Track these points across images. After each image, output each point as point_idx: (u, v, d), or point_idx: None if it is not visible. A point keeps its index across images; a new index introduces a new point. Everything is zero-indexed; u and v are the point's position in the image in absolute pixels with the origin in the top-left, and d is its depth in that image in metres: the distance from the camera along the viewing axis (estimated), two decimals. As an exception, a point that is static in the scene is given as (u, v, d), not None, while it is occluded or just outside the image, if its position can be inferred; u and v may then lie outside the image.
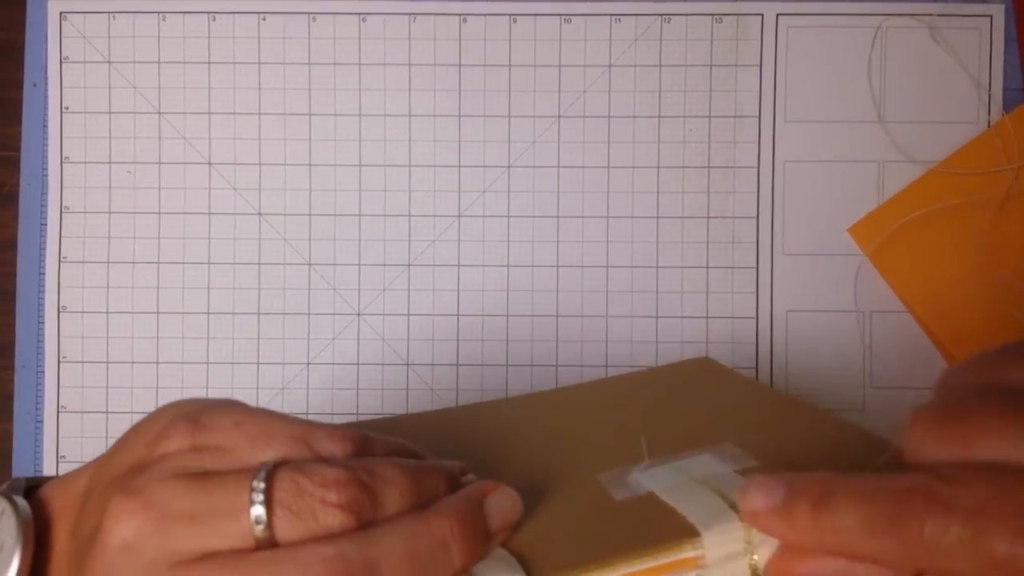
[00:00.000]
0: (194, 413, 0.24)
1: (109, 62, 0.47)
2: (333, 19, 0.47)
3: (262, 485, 0.21)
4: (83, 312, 0.47)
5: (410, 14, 0.47)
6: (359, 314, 0.47)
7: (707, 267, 0.47)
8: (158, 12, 0.47)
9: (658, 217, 0.47)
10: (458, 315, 0.47)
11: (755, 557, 0.22)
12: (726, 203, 0.47)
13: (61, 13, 0.47)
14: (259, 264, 0.47)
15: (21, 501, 0.23)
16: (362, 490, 0.22)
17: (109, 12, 0.47)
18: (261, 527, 0.21)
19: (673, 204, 0.47)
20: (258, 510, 0.21)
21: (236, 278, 0.47)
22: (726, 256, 0.47)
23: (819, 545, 0.21)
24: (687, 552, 0.22)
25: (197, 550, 0.21)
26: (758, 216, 0.47)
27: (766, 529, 0.22)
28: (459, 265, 0.47)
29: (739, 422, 0.32)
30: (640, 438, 0.28)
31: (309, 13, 0.47)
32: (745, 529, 0.22)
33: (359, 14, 0.47)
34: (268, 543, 0.21)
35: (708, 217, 0.47)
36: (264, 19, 0.47)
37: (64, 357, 0.47)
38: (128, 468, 0.23)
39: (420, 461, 0.25)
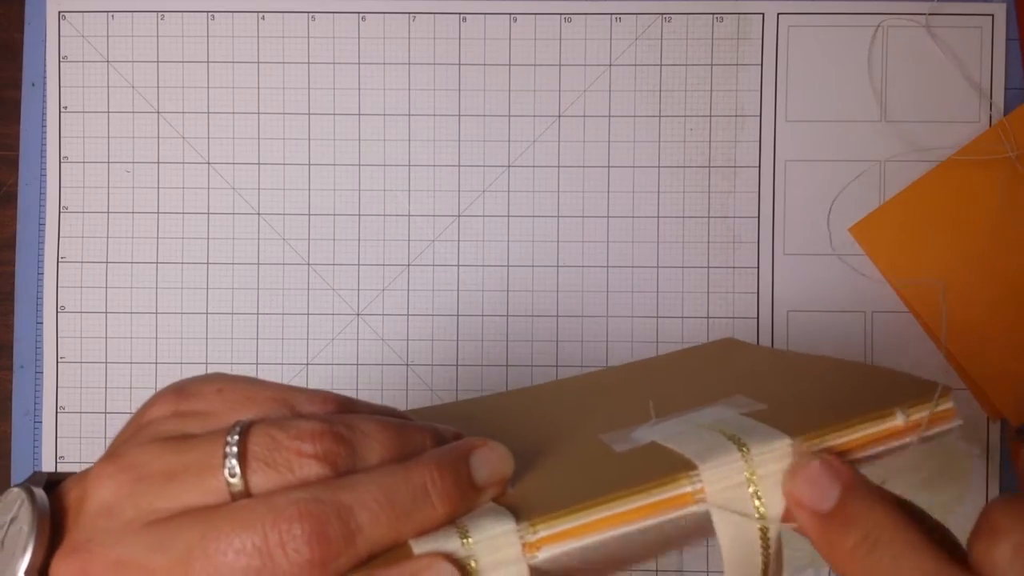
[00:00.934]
0: (180, 383, 0.25)
1: (108, 61, 0.47)
2: (332, 18, 0.47)
3: (236, 439, 0.22)
4: (82, 312, 0.47)
5: (409, 13, 0.47)
6: (358, 314, 0.47)
7: (708, 267, 0.47)
8: (157, 11, 0.47)
9: (659, 217, 0.47)
10: (458, 315, 0.46)
11: (759, 490, 0.22)
12: (727, 203, 0.47)
13: (60, 12, 0.47)
14: (258, 264, 0.47)
15: (39, 492, 0.23)
16: (339, 441, 0.22)
17: (108, 11, 0.47)
18: (236, 480, 0.21)
19: (673, 204, 0.47)
20: (231, 463, 0.21)
21: (235, 278, 0.47)
22: (727, 256, 0.47)
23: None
24: (684, 486, 0.21)
25: (174, 507, 0.21)
26: (759, 216, 0.47)
27: (805, 528, 0.21)
28: (459, 265, 0.47)
29: (755, 380, 0.31)
30: (648, 401, 0.27)
31: (308, 12, 0.47)
32: (745, 460, 0.21)
33: (358, 13, 0.47)
34: (243, 495, 0.21)
35: (709, 217, 0.47)
36: (263, 18, 0.47)
37: (63, 357, 0.47)
38: (119, 443, 0.24)
39: (405, 421, 0.25)
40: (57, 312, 0.47)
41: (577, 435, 0.27)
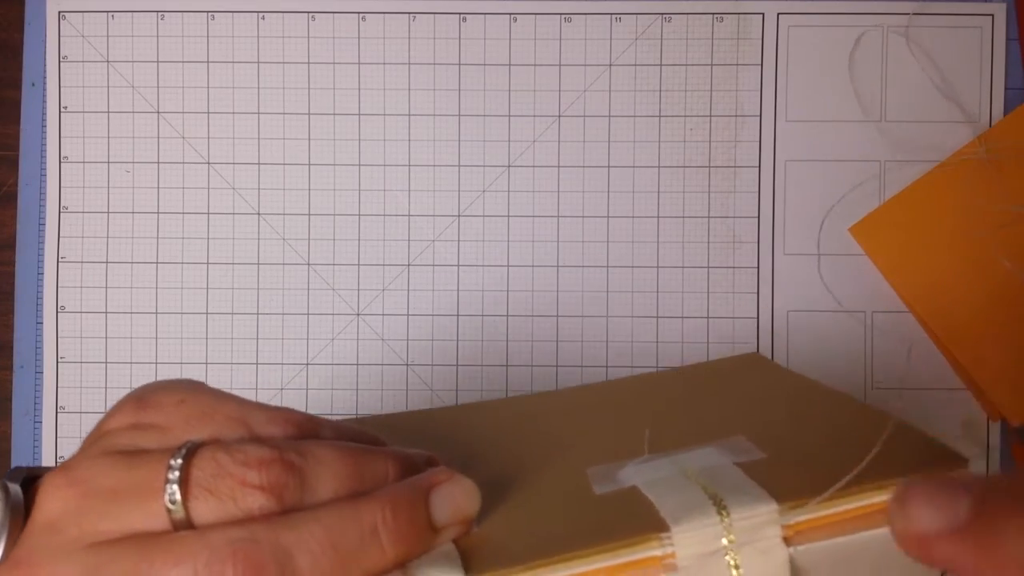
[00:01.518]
0: (143, 391, 0.24)
1: (108, 61, 0.47)
2: (332, 18, 0.47)
3: (179, 462, 0.21)
4: (81, 312, 0.47)
5: (409, 13, 0.47)
6: (358, 314, 0.47)
7: (708, 267, 0.47)
8: (157, 11, 0.47)
9: (659, 217, 0.47)
10: (457, 315, 0.46)
11: (736, 559, 0.19)
12: (727, 203, 0.47)
13: (60, 12, 0.47)
14: (258, 264, 0.47)
15: (14, 487, 0.23)
16: (287, 471, 0.21)
17: (108, 11, 0.47)
18: (175, 507, 0.20)
19: (674, 204, 0.47)
20: (172, 488, 0.20)
21: (235, 278, 0.47)
22: (727, 256, 0.47)
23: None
24: (653, 550, 0.19)
25: (116, 529, 0.21)
26: (759, 216, 0.47)
27: (943, 559, 0.18)
28: (459, 265, 0.47)
29: (765, 412, 0.28)
30: (644, 431, 0.25)
31: (308, 12, 0.47)
32: (724, 525, 0.20)
33: (358, 13, 0.47)
34: (184, 524, 0.20)
35: (709, 217, 0.47)
36: (263, 18, 0.47)
37: (63, 357, 0.47)
38: (78, 452, 0.23)
39: (369, 447, 0.23)
40: (57, 312, 0.47)
41: (565, 462, 0.26)
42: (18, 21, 0.47)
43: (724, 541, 0.19)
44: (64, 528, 0.21)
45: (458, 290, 0.47)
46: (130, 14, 0.47)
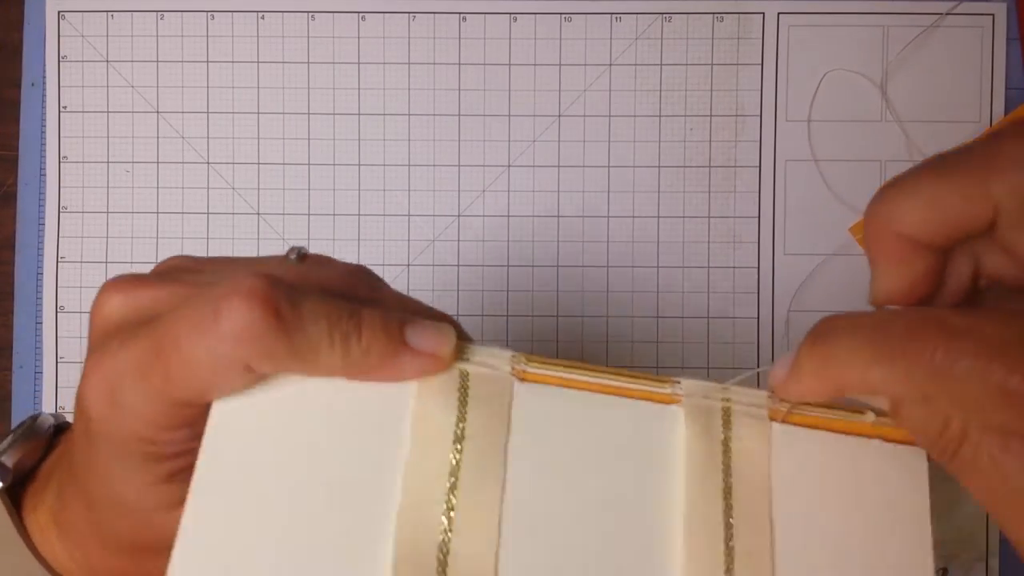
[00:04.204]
0: (120, 281, 0.25)
1: (107, 61, 0.47)
2: (332, 17, 0.47)
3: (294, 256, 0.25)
4: (81, 312, 0.47)
5: (409, 12, 0.47)
6: (358, 314, 0.47)
7: (708, 267, 0.47)
8: (156, 11, 0.47)
9: (659, 217, 0.47)
10: (458, 315, 0.46)
11: (729, 410, 0.23)
12: (727, 203, 0.47)
13: (59, 12, 0.47)
14: (258, 264, 0.47)
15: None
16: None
17: (107, 11, 0.47)
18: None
19: (674, 203, 0.47)
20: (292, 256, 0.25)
21: (235, 278, 0.47)
22: (727, 256, 0.47)
23: (828, 390, 0.21)
24: (665, 388, 0.23)
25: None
26: (759, 215, 0.47)
27: (785, 396, 0.23)
28: (459, 265, 0.47)
29: None
30: None
31: (308, 11, 0.47)
32: (725, 393, 0.23)
33: (358, 12, 0.47)
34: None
35: (709, 217, 0.47)
36: (263, 18, 0.47)
37: (62, 358, 0.47)
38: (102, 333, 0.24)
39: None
40: (56, 312, 0.47)
41: None
42: (18, 21, 0.47)
43: (721, 401, 0.23)
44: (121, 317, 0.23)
45: (458, 290, 0.47)
46: (130, 14, 0.47)
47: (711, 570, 0.22)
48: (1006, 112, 0.46)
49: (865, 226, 0.23)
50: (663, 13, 0.46)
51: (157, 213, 0.47)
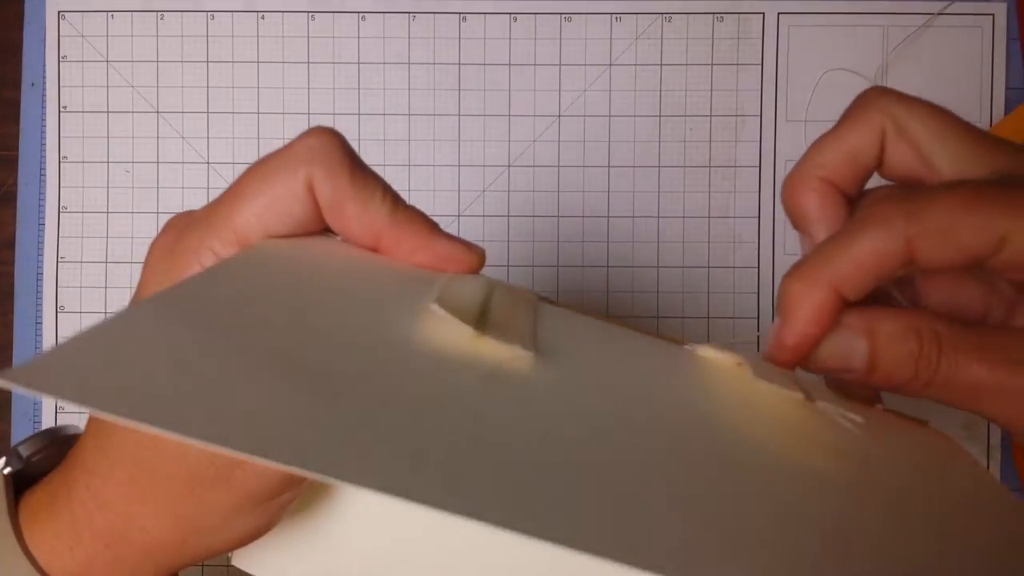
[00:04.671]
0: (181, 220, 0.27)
1: (107, 61, 0.47)
2: (332, 17, 0.47)
3: None
4: (81, 312, 0.46)
5: (409, 12, 0.47)
6: (358, 314, 0.46)
7: (708, 267, 0.47)
8: (156, 11, 0.47)
9: (659, 217, 0.47)
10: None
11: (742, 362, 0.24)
12: (727, 203, 0.47)
13: (59, 12, 0.47)
14: (258, 264, 0.47)
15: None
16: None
17: (107, 11, 0.47)
18: None
19: (674, 203, 0.47)
20: None
21: (235, 278, 0.47)
22: (727, 256, 0.47)
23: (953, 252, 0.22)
24: (677, 342, 0.25)
25: None
26: (759, 216, 0.47)
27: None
28: (459, 265, 0.47)
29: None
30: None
31: (308, 12, 0.47)
32: (738, 357, 0.24)
33: (358, 12, 0.47)
34: None
35: (709, 217, 0.47)
36: (263, 18, 0.47)
37: (62, 357, 0.46)
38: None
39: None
40: (56, 312, 0.47)
41: None
42: (18, 21, 0.47)
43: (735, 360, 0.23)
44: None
45: (458, 290, 0.46)
46: (130, 14, 0.47)
47: (787, 382, 0.22)
48: (1006, 112, 0.46)
49: (791, 184, 0.26)
50: (663, 13, 0.46)
51: (157, 213, 0.47)
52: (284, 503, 0.24)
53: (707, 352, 0.24)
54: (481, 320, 0.20)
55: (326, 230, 0.24)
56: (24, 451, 0.27)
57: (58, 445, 0.28)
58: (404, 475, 0.13)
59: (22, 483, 0.26)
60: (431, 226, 0.23)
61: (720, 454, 0.18)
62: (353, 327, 0.19)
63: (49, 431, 0.28)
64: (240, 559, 0.27)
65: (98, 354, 0.14)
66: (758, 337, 0.47)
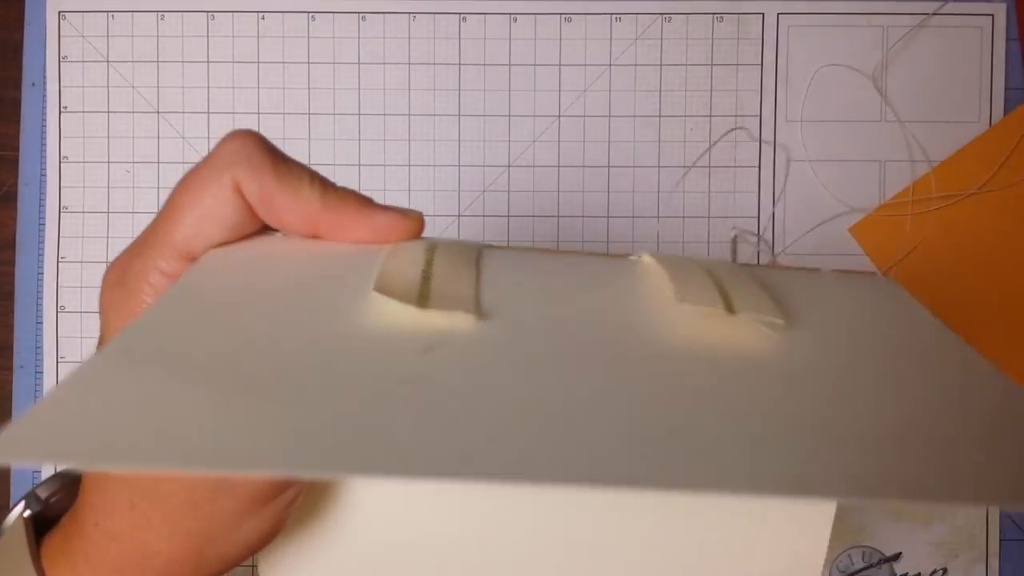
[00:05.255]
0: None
1: (108, 61, 0.47)
2: (332, 18, 0.47)
3: None
4: (82, 312, 0.47)
5: (409, 13, 0.47)
6: (358, 314, 0.47)
7: (708, 267, 0.47)
8: (157, 11, 0.47)
9: (659, 217, 0.47)
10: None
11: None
12: (727, 203, 0.47)
13: (60, 12, 0.47)
14: (258, 264, 0.47)
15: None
16: None
17: (108, 11, 0.47)
18: None
19: (674, 203, 0.47)
20: None
21: (235, 278, 0.47)
22: (727, 256, 0.47)
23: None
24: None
25: None
26: (759, 216, 0.47)
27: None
28: (459, 265, 0.47)
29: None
30: None
31: (308, 12, 0.47)
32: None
33: (358, 13, 0.47)
34: None
35: (709, 217, 0.47)
36: (263, 18, 0.47)
37: (63, 358, 0.47)
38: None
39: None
40: (57, 312, 0.47)
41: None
42: (18, 21, 0.47)
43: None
44: None
45: (458, 290, 0.46)
46: (130, 14, 0.47)
47: (709, 299, 0.22)
48: (1005, 112, 0.46)
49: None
50: (663, 13, 0.46)
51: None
52: (289, 500, 0.25)
53: (645, 259, 0.25)
54: (424, 290, 0.21)
55: (265, 228, 0.24)
56: (42, 493, 0.28)
57: (74, 485, 0.28)
58: (359, 456, 0.15)
59: (42, 524, 0.27)
60: (364, 201, 0.24)
61: (652, 361, 0.20)
62: (305, 325, 0.20)
63: (64, 473, 0.29)
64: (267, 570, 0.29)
65: (65, 412, 0.15)
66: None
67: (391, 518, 0.28)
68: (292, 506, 0.25)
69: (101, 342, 0.25)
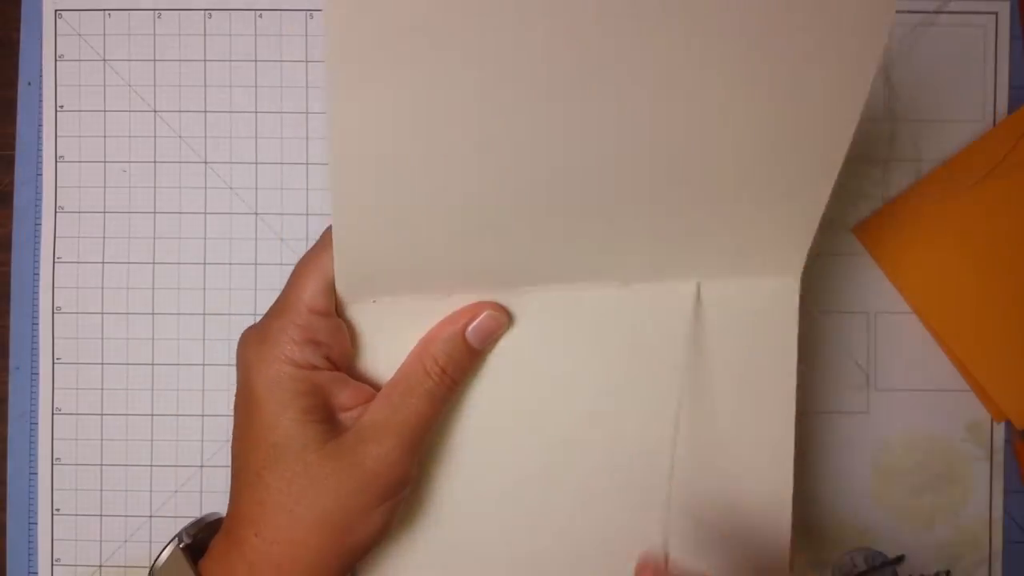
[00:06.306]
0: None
1: (104, 60, 0.46)
2: (330, 16, 0.46)
3: None
4: (78, 313, 0.46)
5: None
6: (357, 315, 0.46)
7: (709, 267, 0.46)
8: (153, 9, 0.46)
9: (659, 217, 0.46)
10: (457, 316, 0.46)
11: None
12: (728, 202, 0.46)
13: (56, 10, 0.46)
14: (255, 264, 0.46)
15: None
16: None
17: (104, 9, 0.46)
18: None
19: (675, 203, 0.46)
20: None
21: (232, 278, 0.46)
22: (728, 256, 0.46)
23: None
24: None
25: None
26: (761, 216, 0.46)
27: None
28: (458, 265, 0.46)
29: None
30: None
31: (306, 10, 0.46)
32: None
33: (357, 11, 0.46)
34: None
35: (710, 217, 0.46)
36: (260, 16, 0.46)
37: (59, 358, 0.46)
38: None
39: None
40: (53, 313, 0.46)
41: None
42: (14, 19, 0.47)
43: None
44: None
45: (457, 290, 0.46)
46: (127, 12, 0.46)
47: None
48: (1009, 111, 0.45)
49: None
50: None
51: (154, 213, 0.46)
52: (399, 502, 0.33)
53: None
54: None
55: None
56: (191, 531, 0.35)
57: (209, 528, 0.36)
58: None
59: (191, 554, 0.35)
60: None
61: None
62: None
63: (201, 519, 0.37)
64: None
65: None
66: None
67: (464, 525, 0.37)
68: (398, 508, 0.33)
69: (240, 393, 0.33)
